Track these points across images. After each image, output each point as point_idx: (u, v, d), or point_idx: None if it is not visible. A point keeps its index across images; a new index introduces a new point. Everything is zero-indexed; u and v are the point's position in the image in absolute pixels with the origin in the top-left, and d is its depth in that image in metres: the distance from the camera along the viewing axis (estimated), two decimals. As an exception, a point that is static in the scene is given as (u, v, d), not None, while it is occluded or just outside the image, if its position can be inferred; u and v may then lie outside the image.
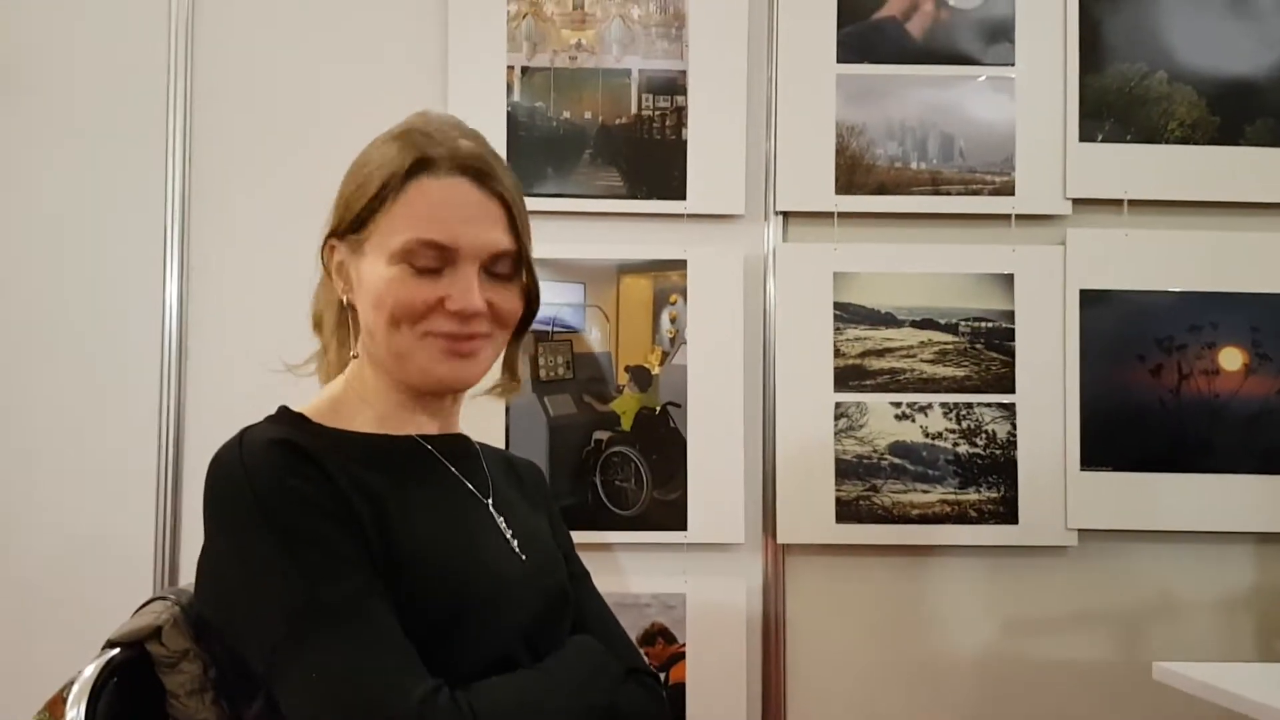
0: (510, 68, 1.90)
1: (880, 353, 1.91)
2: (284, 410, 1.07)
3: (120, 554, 1.85)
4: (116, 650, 0.99)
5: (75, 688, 0.95)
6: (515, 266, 1.07)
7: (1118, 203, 1.93)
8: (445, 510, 1.05)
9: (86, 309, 1.89)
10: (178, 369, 1.87)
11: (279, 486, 0.94)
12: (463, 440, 1.15)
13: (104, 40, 1.91)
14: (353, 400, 1.08)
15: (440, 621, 0.96)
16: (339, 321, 1.12)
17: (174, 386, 1.87)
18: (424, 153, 1.03)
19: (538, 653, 1.03)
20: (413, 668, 0.90)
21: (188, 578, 1.04)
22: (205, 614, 1.00)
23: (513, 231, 1.06)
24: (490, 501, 1.10)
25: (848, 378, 1.90)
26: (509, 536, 1.08)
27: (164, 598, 1.05)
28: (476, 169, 1.04)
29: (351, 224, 1.05)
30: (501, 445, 1.80)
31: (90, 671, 0.96)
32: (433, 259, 1.02)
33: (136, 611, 1.04)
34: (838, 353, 1.90)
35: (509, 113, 1.89)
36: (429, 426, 1.10)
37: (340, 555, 0.92)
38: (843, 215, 1.92)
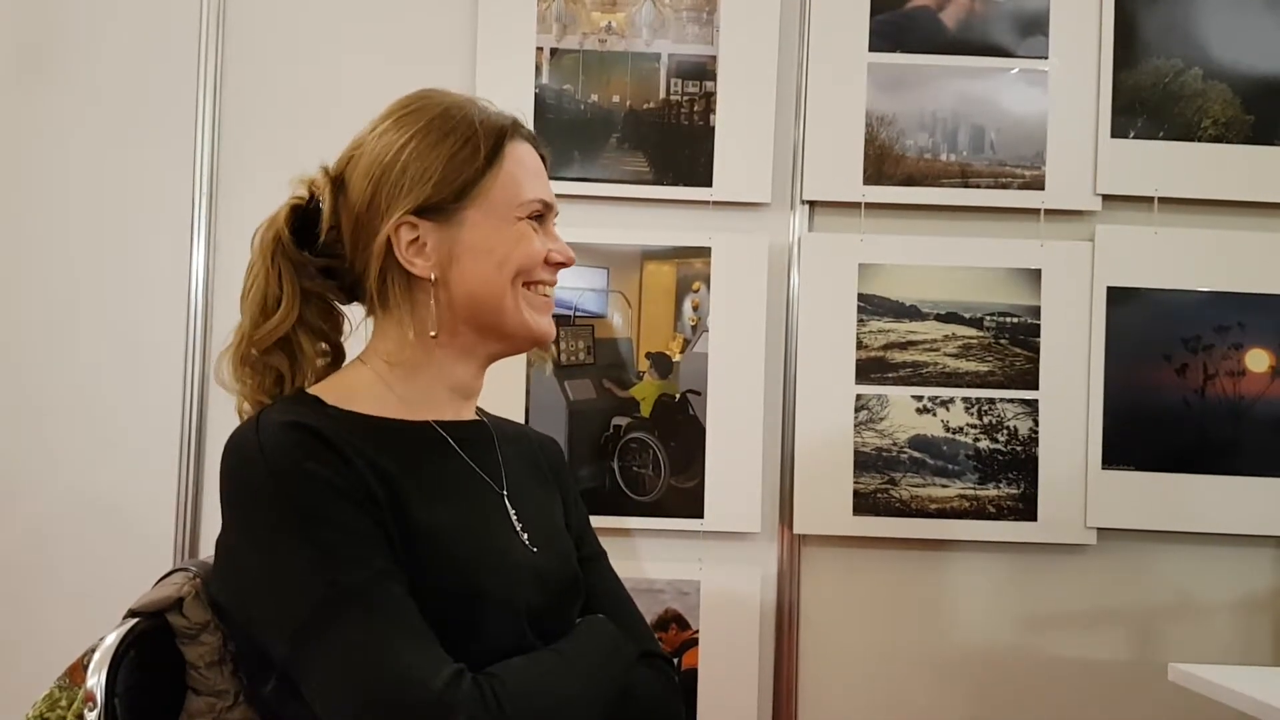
0: (540, 49, 1.90)
1: (903, 345, 1.90)
2: (301, 392, 1.06)
3: (141, 524, 1.87)
4: (137, 620, 1.00)
5: (96, 656, 0.96)
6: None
7: (1148, 200, 1.91)
8: (458, 500, 1.05)
9: (114, 279, 1.91)
10: (202, 341, 1.89)
11: (296, 470, 0.93)
12: (479, 426, 1.15)
13: (134, 19, 1.92)
14: (372, 383, 1.07)
15: (450, 608, 0.96)
16: (396, 303, 1.07)
17: (198, 359, 1.88)
18: (504, 120, 1.09)
19: (546, 639, 1.02)
20: (434, 652, 0.90)
21: (208, 549, 1.04)
22: (222, 599, 1.00)
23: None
24: (505, 494, 1.10)
25: (870, 370, 1.89)
26: (520, 529, 1.08)
27: (185, 569, 1.05)
28: (532, 136, 1.13)
29: (453, 195, 1.05)
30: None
31: (112, 640, 0.97)
32: (537, 216, 1.09)
33: (158, 582, 1.05)
34: (860, 344, 1.89)
35: (537, 94, 1.89)
36: (449, 412, 1.10)
37: (359, 539, 0.92)
38: (870, 206, 1.91)
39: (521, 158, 1.09)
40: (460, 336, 1.08)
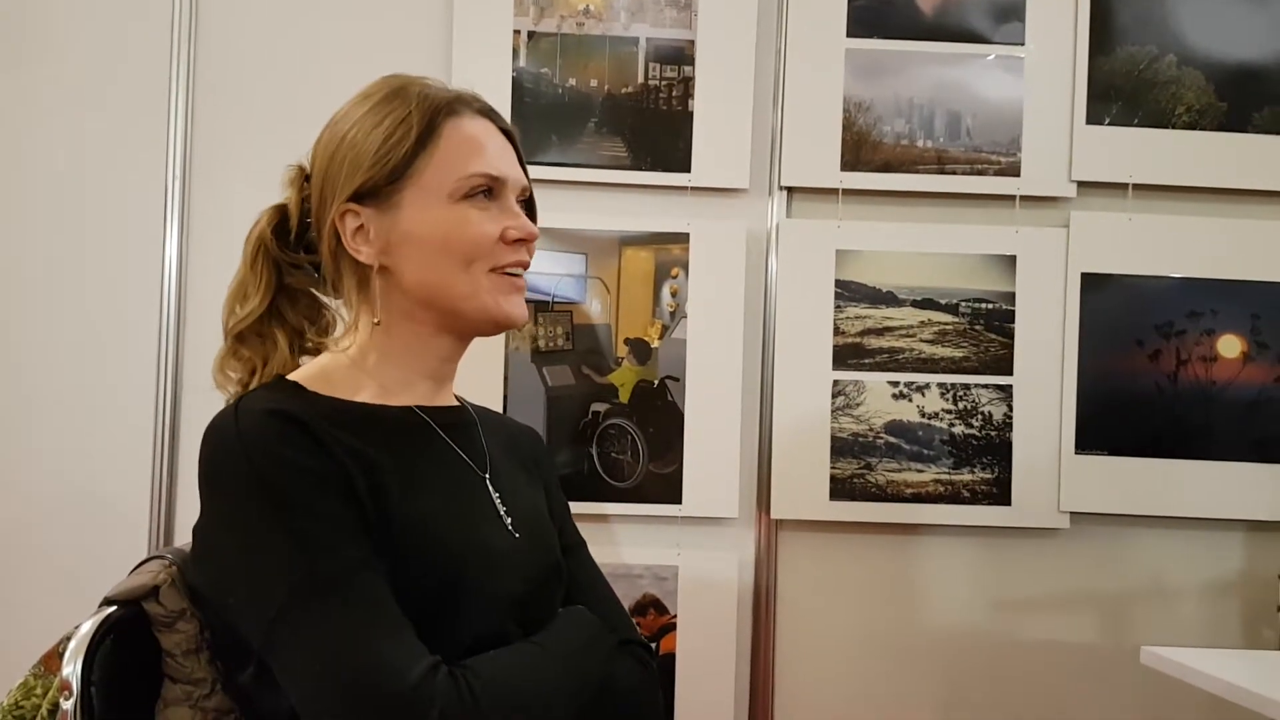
0: (516, 32, 1.88)
1: (880, 331, 1.91)
2: (280, 378, 1.05)
3: (117, 512, 1.86)
4: (114, 608, 0.99)
5: (72, 644, 0.95)
6: (526, 206, 1.12)
7: (1122, 187, 1.92)
8: (440, 483, 1.04)
9: (86, 268, 1.88)
10: (176, 328, 1.87)
11: (275, 457, 0.93)
12: (460, 411, 1.15)
13: (107, 6, 1.89)
14: (351, 370, 1.07)
15: (431, 594, 0.96)
16: (349, 291, 1.08)
17: (171, 346, 1.87)
18: (443, 97, 1.06)
19: (528, 627, 1.03)
20: (410, 643, 0.90)
21: (184, 536, 1.04)
22: (200, 585, 1.00)
23: (523, 170, 1.11)
24: (487, 477, 1.10)
25: (846, 356, 1.90)
26: (503, 513, 1.08)
27: (161, 557, 1.04)
28: (489, 110, 1.10)
29: (386, 178, 1.03)
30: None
31: (87, 628, 0.96)
32: (485, 193, 1.06)
33: (133, 570, 1.04)
34: (837, 330, 1.90)
35: (514, 78, 1.88)
36: (428, 397, 1.10)
37: (337, 527, 0.92)
38: (847, 192, 1.91)
39: (467, 134, 1.06)
40: (421, 323, 1.07)
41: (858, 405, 1.90)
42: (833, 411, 1.89)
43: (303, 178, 1.10)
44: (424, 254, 1.04)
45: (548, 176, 1.84)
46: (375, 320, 1.06)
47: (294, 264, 1.09)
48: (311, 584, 0.89)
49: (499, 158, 1.07)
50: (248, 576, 0.92)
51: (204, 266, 1.87)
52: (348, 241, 1.05)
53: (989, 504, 1.89)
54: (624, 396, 1.89)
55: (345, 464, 0.95)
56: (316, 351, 1.11)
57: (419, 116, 1.04)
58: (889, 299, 1.91)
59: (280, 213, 1.10)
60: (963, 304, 1.91)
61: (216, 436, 0.97)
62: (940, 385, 1.90)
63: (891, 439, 1.90)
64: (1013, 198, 1.92)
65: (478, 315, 1.07)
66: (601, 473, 1.88)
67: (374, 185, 1.04)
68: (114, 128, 1.89)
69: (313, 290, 1.11)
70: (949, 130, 1.92)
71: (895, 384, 1.90)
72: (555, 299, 1.88)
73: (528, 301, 1.12)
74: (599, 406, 1.88)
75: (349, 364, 1.07)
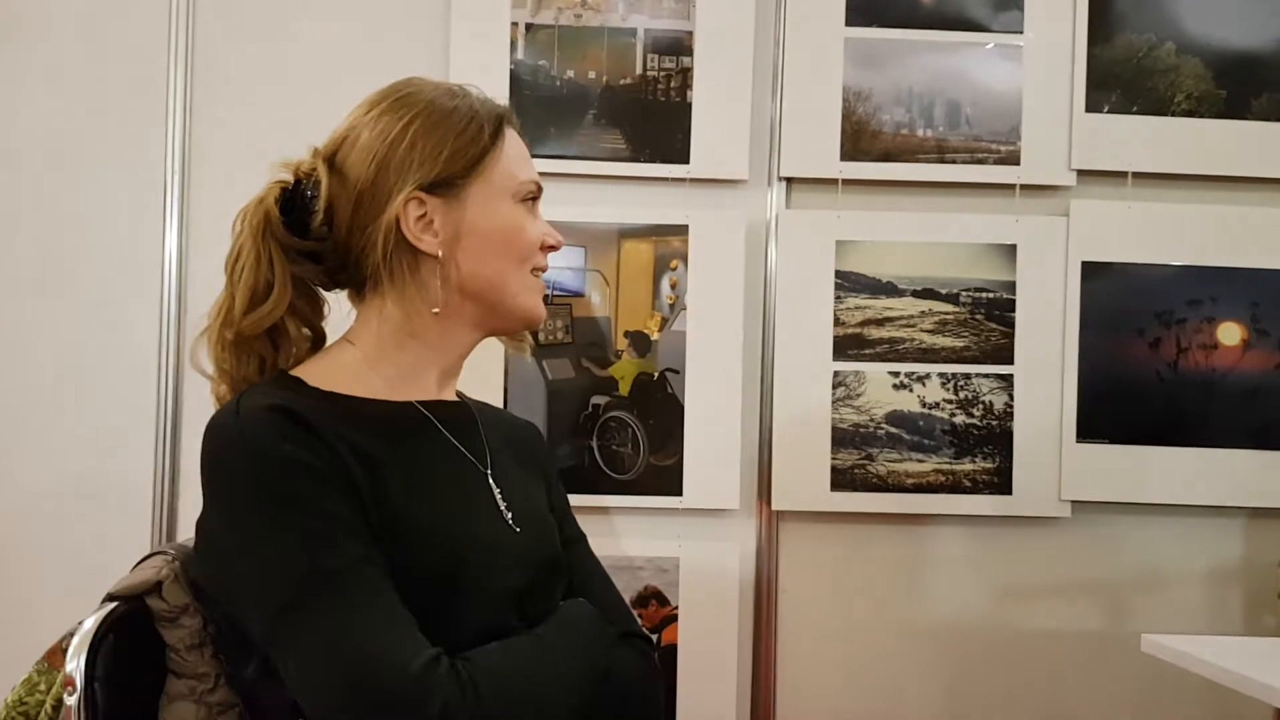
0: (514, 24, 1.88)
1: (880, 322, 1.90)
2: (282, 374, 1.05)
3: (119, 506, 1.86)
4: (116, 604, 0.99)
5: (75, 640, 0.95)
6: None
7: (1122, 175, 1.92)
8: (441, 478, 1.05)
9: (86, 259, 1.88)
10: (177, 320, 1.87)
11: (277, 453, 0.93)
12: (462, 406, 1.15)
13: (104, 2, 1.89)
14: (355, 364, 1.06)
15: (432, 589, 0.96)
16: (403, 280, 1.07)
17: (173, 338, 1.87)
18: (498, 105, 1.11)
19: (529, 621, 1.03)
20: (411, 637, 0.90)
21: (186, 531, 1.04)
22: (203, 581, 1.00)
23: None
24: (488, 471, 1.10)
25: (847, 346, 1.90)
26: (504, 508, 1.08)
27: (164, 552, 1.04)
28: (517, 123, 1.14)
29: (461, 172, 1.06)
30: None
31: (90, 624, 0.96)
32: (530, 200, 1.12)
33: (136, 566, 1.04)
34: (838, 321, 1.90)
35: (512, 70, 1.87)
36: (432, 392, 1.10)
37: (338, 523, 0.92)
38: (847, 182, 1.91)
39: (518, 142, 1.12)
40: (463, 314, 1.09)
41: (858, 396, 1.90)
42: (833, 402, 1.89)
43: (327, 165, 1.07)
44: (486, 248, 1.07)
45: (546, 169, 1.78)
46: (434, 310, 1.06)
47: (289, 247, 1.06)
48: (313, 579, 0.89)
49: (535, 169, 1.13)
50: (249, 572, 0.92)
51: (204, 260, 1.87)
52: (410, 230, 1.04)
53: (990, 493, 1.89)
54: (624, 389, 1.89)
55: (346, 459, 0.95)
56: (316, 340, 1.11)
57: (487, 116, 1.08)
58: (889, 289, 1.91)
59: (285, 193, 1.07)
60: (963, 293, 1.91)
61: (218, 433, 0.96)
62: (941, 375, 1.90)
63: (892, 429, 1.90)
64: (1012, 186, 1.92)
65: (518, 311, 1.11)
66: (602, 465, 1.88)
67: (448, 176, 1.05)
68: (112, 123, 1.88)
69: (311, 280, 1.09)
70: (949, 119, 1.91)
71: (896, 374, 1.90)
72: (555, 292, 1.88)
73: None
74: (599, 399, 1.88)
75: (353, 358, 1.07)
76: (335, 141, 1.08)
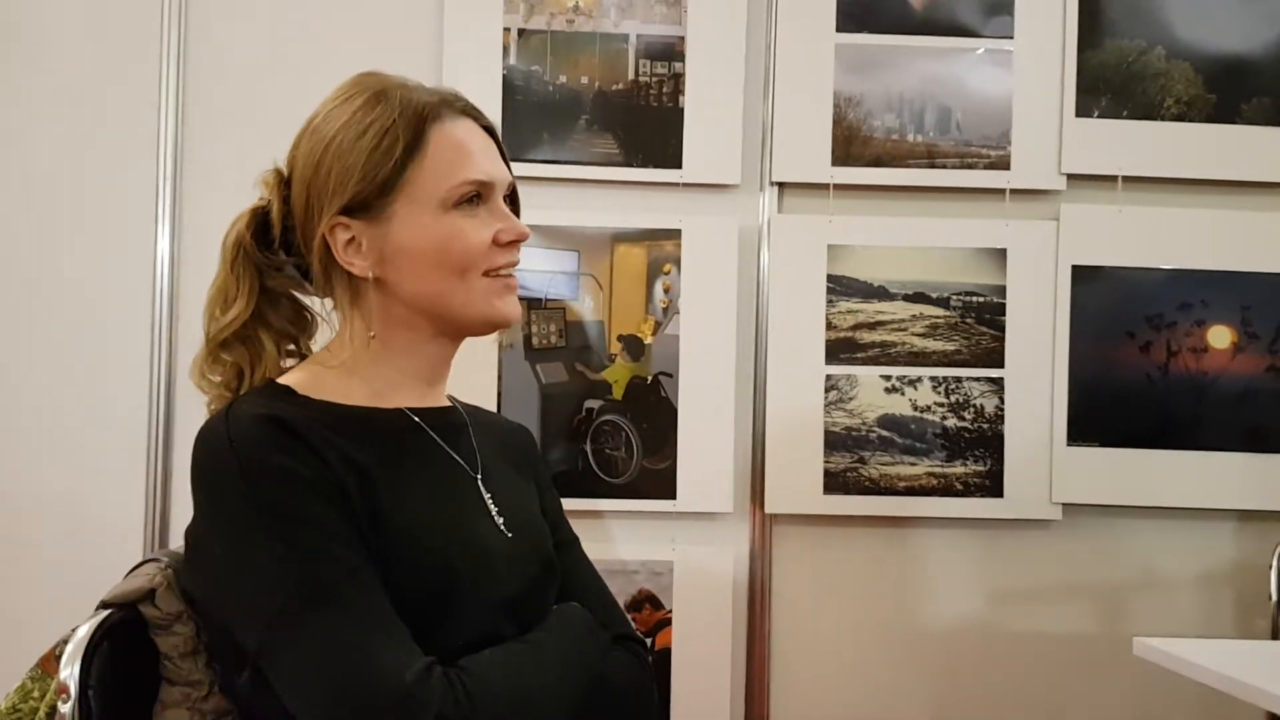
0: (507, 30, 1.88)
1: (872, 326, 1.91)
2: (271, 383, 1.05)
3: (111, 515, 1.85)
4: (110, 611, 0.99)
5: (69, 647, 0.95)
6: (510, 201, 1.11)
7: (1112, 179, 1.93)
8: (433, 486, 1.04)
9: (78, 269, 1.88)
10: (168, 329, 1.87)
11: (267, 464, 0.92)
12: (452, 411, 1.14)
13: (98, 7, 1.88)
14: (342, 373, 1.06)
15: (425, 597, 0.96)
16: (341, 302, 1.07)
17: (164, 347, 1.86)
18: (426, 101, 1.04)
19: (522, 626, 1.03)
20: (405, 645, 0.90)
21: (178, 539, 1.04)
22: (194, 590, 1.00)
23: (507, 166, 1.10)
24: (479, 478, 1.10)
25: (839, 350, 1.91)
26: (495, 513, 1.08)
27: (156, 560, 1.04)
28: (470, 109, 1.08)
29: (376, 192, 1.02)
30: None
31: (84, 632, 0.96)
32: (473, 199, 1.04)
33: (129, 573, 1.04)
34: (830, 325, 1.91)
35: (505, 76, 1.88)
36: (420, 398, 1.10)
37: (330, 533, 0.92)
38: (838, 187, 1.92)
39: (453, 140, 1.04)
40: (416, 329, 1.07)
41: (850, 399, 1.90)
42: (825, 406, 1.90)
43: (281, 181, 1.07)
44: (419, 266, 1.03)
45: (539, 174, 1.84)
46: (370, 334, 1.05)
47: (275, 266, 1.07)
48: (305, 589, 0.89)
49: (485, 160, 1.06)
50: (241, 582, 0.92)
51: (196, 270, 1.86)
52: (340, 254, 1.04)
53: (981, 496, 1.90)
54: (617, 393, 1.89)
55: (337, 468, 0.95)
56: (303, 354, 1.11)
57: (404, 124, 1.02)
58: (880, 293, 1.91)
59: (257, 215, 1.07)
60: (954, 297, 1.91)
61: (208, 442, 0.96)
62: (932, 378, 1.91)
63: (884, 432, 1.90)
64: (1003, 191, 1.92)
65: (475, 320, 1.07)
66: (596, 469, 1.88)
67: (364, 199, 1.02)
68: (104, 129, 1.88)
69: (293, 292, 1.10)
70: (939, 124, 1.92)
71: (887, 378, 1.91)
72: (548, 296, 1.88)
73: (520, 299, 1.12)
74: (593, 403, 1.89)
75: (340, 367, 1.07)
76: (289, 156, 1.08)
